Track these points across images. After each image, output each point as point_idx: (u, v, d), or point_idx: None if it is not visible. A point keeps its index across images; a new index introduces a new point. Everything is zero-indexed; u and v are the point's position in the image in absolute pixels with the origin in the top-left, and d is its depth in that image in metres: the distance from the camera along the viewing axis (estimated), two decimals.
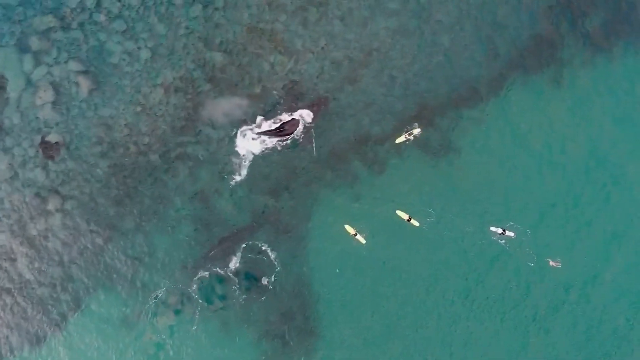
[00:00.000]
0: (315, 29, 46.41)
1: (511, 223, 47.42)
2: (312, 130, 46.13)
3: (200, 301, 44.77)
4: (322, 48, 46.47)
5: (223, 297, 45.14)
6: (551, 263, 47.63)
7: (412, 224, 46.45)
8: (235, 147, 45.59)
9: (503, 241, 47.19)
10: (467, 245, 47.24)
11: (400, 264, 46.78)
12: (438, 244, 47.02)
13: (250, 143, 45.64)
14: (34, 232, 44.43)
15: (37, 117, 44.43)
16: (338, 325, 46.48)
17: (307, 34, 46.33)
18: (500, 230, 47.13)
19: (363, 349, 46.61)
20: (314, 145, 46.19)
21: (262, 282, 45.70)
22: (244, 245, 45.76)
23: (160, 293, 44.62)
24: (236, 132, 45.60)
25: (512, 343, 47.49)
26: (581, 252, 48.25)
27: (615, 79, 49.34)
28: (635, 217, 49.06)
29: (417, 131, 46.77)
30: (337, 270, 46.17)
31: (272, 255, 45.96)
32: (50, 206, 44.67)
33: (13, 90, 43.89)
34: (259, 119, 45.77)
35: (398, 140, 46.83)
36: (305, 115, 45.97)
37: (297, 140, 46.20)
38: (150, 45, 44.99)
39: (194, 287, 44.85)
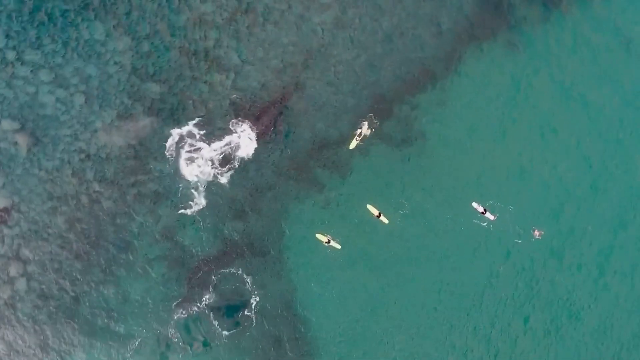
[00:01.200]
0: (249, 39, 44.10)
1: (491, 202, 45.03)
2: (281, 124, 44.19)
3: (181, 345, 42.86)
4: (260, 57, 44.17)
5: (205, 336, 43.20)
6: (535, 232, 45.34)
7: (381, 221, 44.28)
8: (187, 176, 43.56)
9: (485, 223, 44.82)
10: (448, 233, 45.09)
11: (379, 264, 44.69)
12: (416, 236, 45.05)
13: (202, 170, 43.57)
14: (0, 301, 42.74)
15: None
16: (330, 338, 44.52)
17: (241, 47, 44.03)
18: (481, 209, 44.80)
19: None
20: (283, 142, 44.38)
21: (245, 311, 43.68)
22: (218, 276, 43.78)
23: (138, 342, 42.73)
24: (185, 161, 43.57)
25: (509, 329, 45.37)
26: (564, 222, 46.03)
27: (571, 32, 46.69)
28: (606, 174, 46.75)
29: (365, 128, 44.47)
30: (319, 291, 44.31)
31: (250, 281, 43.96)
32: (13, 272, 42.93)
33: None
34: (205, 143, 43.76)
35: (352, 146, 44.62)
36: (250, 130, 43.94)
37: (252, 156, 44.23)
38: (82, 89, 42.93)
39: (173, 331, 42.92)
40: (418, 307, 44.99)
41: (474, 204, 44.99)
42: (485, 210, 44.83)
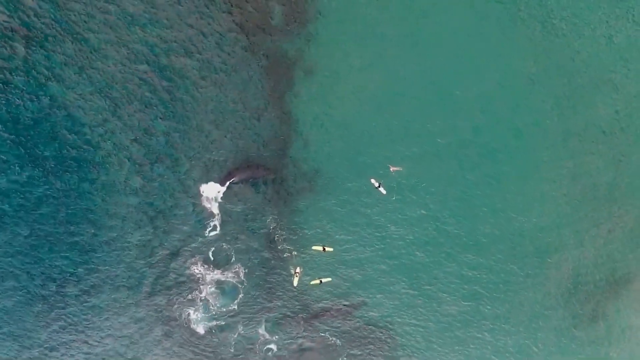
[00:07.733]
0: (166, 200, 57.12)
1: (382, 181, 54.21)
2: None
3: None
4: (178, 196, 56.75)
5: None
6: (392, 169, 52.80)
7: (328, 251, 55.29)
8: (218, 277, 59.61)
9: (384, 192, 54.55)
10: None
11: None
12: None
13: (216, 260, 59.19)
14: None
15: None
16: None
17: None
18: (377, 184, 53.50)
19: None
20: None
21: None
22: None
23: None
24: (208, 274, 59.36)
25: None
26: None
27: None
28: None
29: (298, 269, 55.14)
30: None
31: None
32: None
33: None
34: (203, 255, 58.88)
35: (295, 284, 55.71)
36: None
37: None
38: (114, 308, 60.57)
39: None
40: None
41: (372, 180, 53.46)
42: (379, 184, 53.64)
